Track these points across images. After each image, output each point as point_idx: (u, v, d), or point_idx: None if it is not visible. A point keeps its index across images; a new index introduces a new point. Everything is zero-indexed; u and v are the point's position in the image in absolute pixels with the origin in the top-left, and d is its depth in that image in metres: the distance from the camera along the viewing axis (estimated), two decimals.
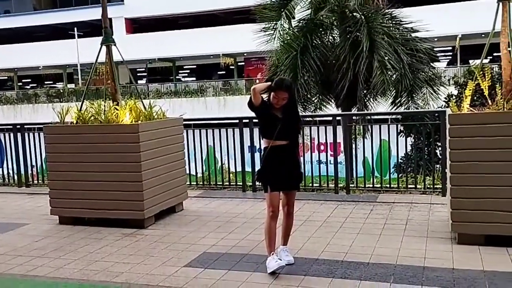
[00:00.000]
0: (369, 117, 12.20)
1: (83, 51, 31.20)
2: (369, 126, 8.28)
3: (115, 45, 6.07)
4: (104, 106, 6.06)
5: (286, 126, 4.13)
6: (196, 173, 8.16)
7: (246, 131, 7.33)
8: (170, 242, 5.07)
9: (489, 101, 4.64)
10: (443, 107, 11.37)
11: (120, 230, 5.54)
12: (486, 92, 4.64)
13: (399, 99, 12.57)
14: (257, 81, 28.84)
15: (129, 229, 5.56)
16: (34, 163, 8.48)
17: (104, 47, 6.10)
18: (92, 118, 5.88)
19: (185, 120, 6.66)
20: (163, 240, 5.17)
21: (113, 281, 4.09)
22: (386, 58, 11.57)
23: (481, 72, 4.70)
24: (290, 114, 4.16)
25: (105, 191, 5.67)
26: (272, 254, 4.12)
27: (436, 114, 8.88)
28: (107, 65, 6.26)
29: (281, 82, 4.13)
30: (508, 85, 4.78)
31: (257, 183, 7.36)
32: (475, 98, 5.17)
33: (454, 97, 10.91)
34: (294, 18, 13.72)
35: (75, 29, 33.80)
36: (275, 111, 4.16)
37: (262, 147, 4.29)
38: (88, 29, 33.76)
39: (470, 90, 4.68)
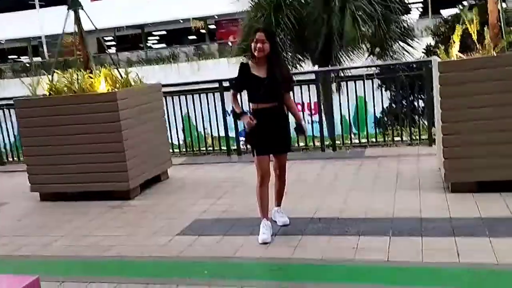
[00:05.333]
0: (349, 73, 12.04)
1: (47, 22, 29.97)
2: (349, 82, 8.15)
3: (82, 9, 5.72)
4: (77, 75, 5.74)
5: (271, 86, 3.86)
6: (178, 141, 7.94)
7: (227, 95, 7.12)
8: (159, 212, 4.92)
9: (478, 46, 4.52)
10: (421, 58, 11.31)
11: (105, 202, 5.35)
12: (474, 37, 4.52)
13: (373, 52, 12.46)
14: (230, 43, 28.30)
15: (115, 201, 5.37)
16: (6, 141, 8.13)
17: (71, 13, 5.75)
18: (66, 88, 5.57)
19: (173, 85, 6.41)
20: (152, 210, 5.02)
21: (104, 255, 3.94)
22: (360, 11, 11.36)
23: (468, 17, 4.57)
24: (274, 73, 3.88)
25: (86, 163, 5.44)
26: (265, 219, 3.97)
27: (414, 65, 8.80)
28: (76, 33, 5.92)
29: (258, 27, 4.15)
30: (495, 28, 4.69)
31: (242, 146, 7.24)
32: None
33: (432, 47, 10.83)
34: None
35: None
36: (258, 71, 3.91)
37: (250, 109, 4.10)
38: None
39: (458, 35, 4.55)
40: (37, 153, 5.59)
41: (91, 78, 5.51)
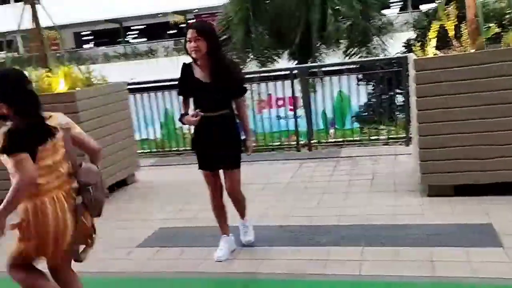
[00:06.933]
0: (325, 69, 11.85)
1: (24, 16, 29.10)
2: (325, 78, 7.98)
3: (39, 3, 5.36)
4: (38, 74, 5.38)
5: (216, 92, 3.32)
6: (156, 138, 7.68)
7: None
8: (121, 220, 4.63)
9: (455, 42, 4.31)
10: (401, 52, 11.15)
11: None
12: (451, 33, 4.31)
13: (351, 49, 12.30)
14: None
15: None
16: None
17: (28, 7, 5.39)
18: None
19: (136, 83, 6.12)
20: (114, 218, 4.69)
21: None
22: (339, 6, 11.18)
23: (445, 12, 4.35)
24: (219, 76, 3.30)
25: None
26: (224, 235, 3.62)
27: (394, 61, 8.63)
28: (39, 29, 5.56)
29: (189, 24, 3.55)
30: (473, 24, 4.47)
31: None
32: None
33: (416, 42, 10.67)
34: None
35: None
36: (201, 75, 3.35)
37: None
38: None
39: (434, 31, 4.33)
40: None
41: (50, 77, 5.17)
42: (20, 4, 5.42)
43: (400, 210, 4.10)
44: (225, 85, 3.33)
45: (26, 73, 5.10)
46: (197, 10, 31.64)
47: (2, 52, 38.03)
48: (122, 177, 5.62)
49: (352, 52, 12.00)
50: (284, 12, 11.97)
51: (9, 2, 31.68)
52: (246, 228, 3.74)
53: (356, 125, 9.10)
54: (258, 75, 8.86)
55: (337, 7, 10.98)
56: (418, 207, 4.12)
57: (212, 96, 3.32)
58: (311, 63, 11.91)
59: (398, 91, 8.88)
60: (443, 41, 4.74)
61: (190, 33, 3.25)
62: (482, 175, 4.12)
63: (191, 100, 3.50)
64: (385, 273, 3.11)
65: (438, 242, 3.42)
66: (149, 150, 7.39)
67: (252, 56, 12.93)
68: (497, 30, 4.46)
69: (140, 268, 3.56)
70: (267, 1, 12.30)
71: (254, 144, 3.52)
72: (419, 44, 4.44)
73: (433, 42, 4.30)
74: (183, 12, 32.84)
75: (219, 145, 3.38)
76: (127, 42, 35.63)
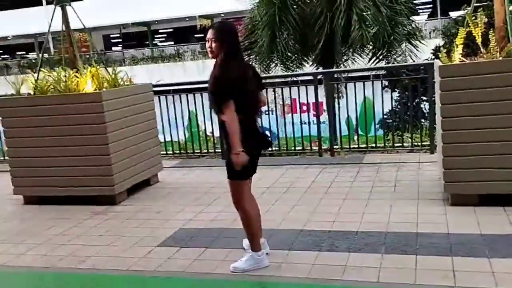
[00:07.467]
0: (350, 74, 11.78)
1: (54, 18, 29.81)
2: (349, 84, 7.95)
3: (70, 5, 5.49)
4: (67, 74, 5.51)
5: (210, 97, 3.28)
6: (179, 140, 7.77)
7: None
8: (143, 219, 4.69)
9: (482, 49, 4.24)
10: (429, 59, 11.00)
11: (90, 208, 5.12)
12: (478, 40, 4.24)
13: (378, 54, 12.19)
14: None
15: (100, 206, 5.15)
16: None
17: (59, 9, 5.53)
18: (52, 88, 5.36)
19: (163, 85, 6.19)
20: (136, 216, 4.79)
21: (78, 267, 3.71)
22: (365, 12, 11.10)
23: (473, 18, 4.29)
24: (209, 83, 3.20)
25: (71, 166, 5.22)
26: None
27: (422, 67, 8.54)
28: (69, 31, 5.70)
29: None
30: (502, 31, 4.40)
31: None
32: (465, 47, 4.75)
33: (442, 48, 10.52)
34: None
35: None
36: None
37: None
38: None
39: (461, 38, 4.27)
40: (20, 155, 5.38)
41: (77, 77, 5.29)
42: (52, 6, 5.56)
43: (422, 218, 4.04)
44: (211, 91, 3.19)
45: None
46: (223, 15, 31.89)
47: (33, 53, 39.10)
48: (145, 178, 5.69)
49: (378, 59, 11.88)
50: (309, 18, 11.95)
51: (41, 4, 32.53)
52: (246, 255, 3.46)
53: (380, 132, 9.04)
54: (282, 79, 8.88)
55: (363, 14, 10.87)
56: (441, 216, 4.06)
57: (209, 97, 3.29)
58: (335, 68, 11.86)
59: (424, 98, 8.78)
60: (472, 49, 4.68)
61: (208, 34, 3.21)
62: (508, 184, 4.03)
63: None
64: (404, 281, 3.07)
65: (461, 252, 3.36)
66: (172, 152, 7.47)
67: (276, 61, 12.95)
68: None
69: (158, 267, 3.60)
70: (295, 6, 12.29)
71: (236, 158, 3.17)
72: (445, 51, 4.38)
73: (460, 49, 4.24)
74: (210, 16, 33.13)
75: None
76: (155, 45, 36.09)
